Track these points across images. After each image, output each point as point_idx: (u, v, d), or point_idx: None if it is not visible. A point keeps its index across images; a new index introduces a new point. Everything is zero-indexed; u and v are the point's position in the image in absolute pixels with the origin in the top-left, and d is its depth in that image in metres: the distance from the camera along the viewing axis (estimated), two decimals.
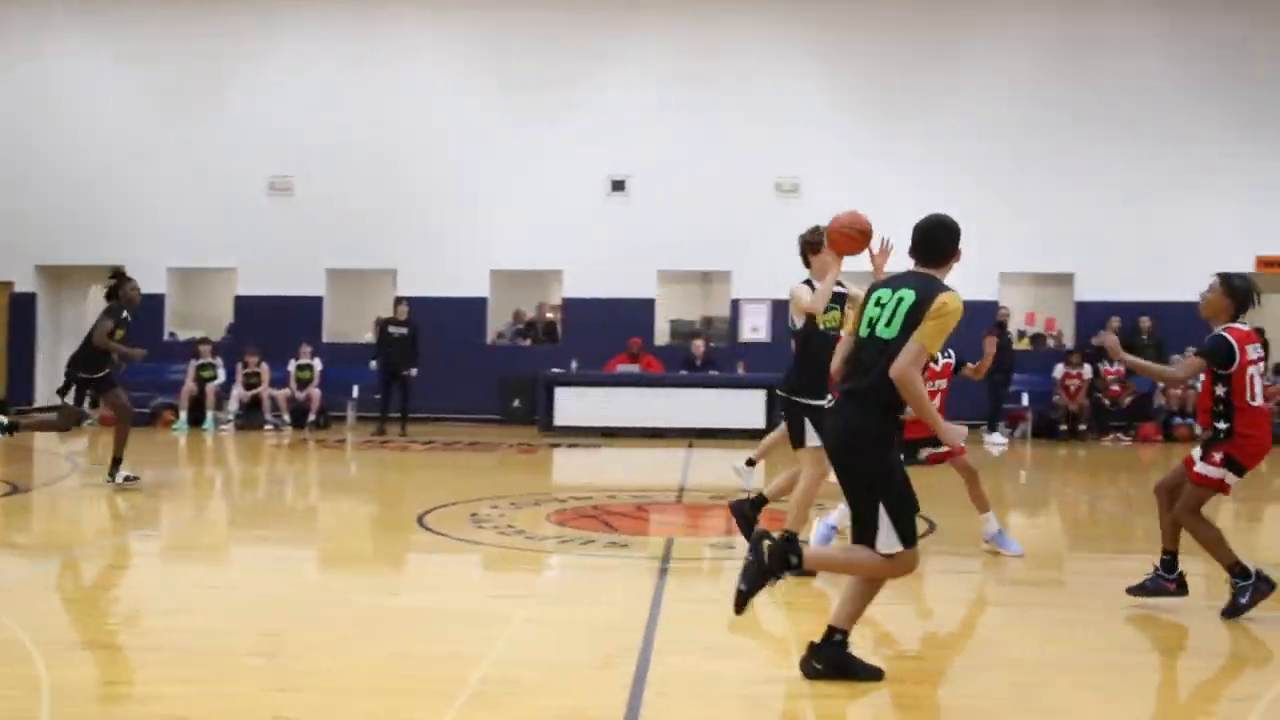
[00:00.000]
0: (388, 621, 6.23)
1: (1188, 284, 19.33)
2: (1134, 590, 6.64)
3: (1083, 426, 18.23)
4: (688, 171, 19.57)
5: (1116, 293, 19.29)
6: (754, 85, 19.80)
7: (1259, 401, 6.31)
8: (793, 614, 6.44)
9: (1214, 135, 19.57)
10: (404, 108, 20.03)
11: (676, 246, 19.67)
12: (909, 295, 4.94)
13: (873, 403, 4.95)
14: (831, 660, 5.09)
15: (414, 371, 17.58)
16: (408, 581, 7.89)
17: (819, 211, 20.14)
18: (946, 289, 4.97)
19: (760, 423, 17.51)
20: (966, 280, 18.41)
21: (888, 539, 4.92)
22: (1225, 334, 6.30)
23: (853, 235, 6.48)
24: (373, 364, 18.08)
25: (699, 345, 18.75)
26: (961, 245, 5.18)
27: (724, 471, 11.11)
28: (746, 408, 17.59)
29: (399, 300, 18.24)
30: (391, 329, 17.72)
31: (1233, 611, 6.34)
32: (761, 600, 6.85)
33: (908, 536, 4.93)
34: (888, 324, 4.94)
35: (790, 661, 5.41)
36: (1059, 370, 18.42)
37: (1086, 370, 18.45)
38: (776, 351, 19.26)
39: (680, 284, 21.48)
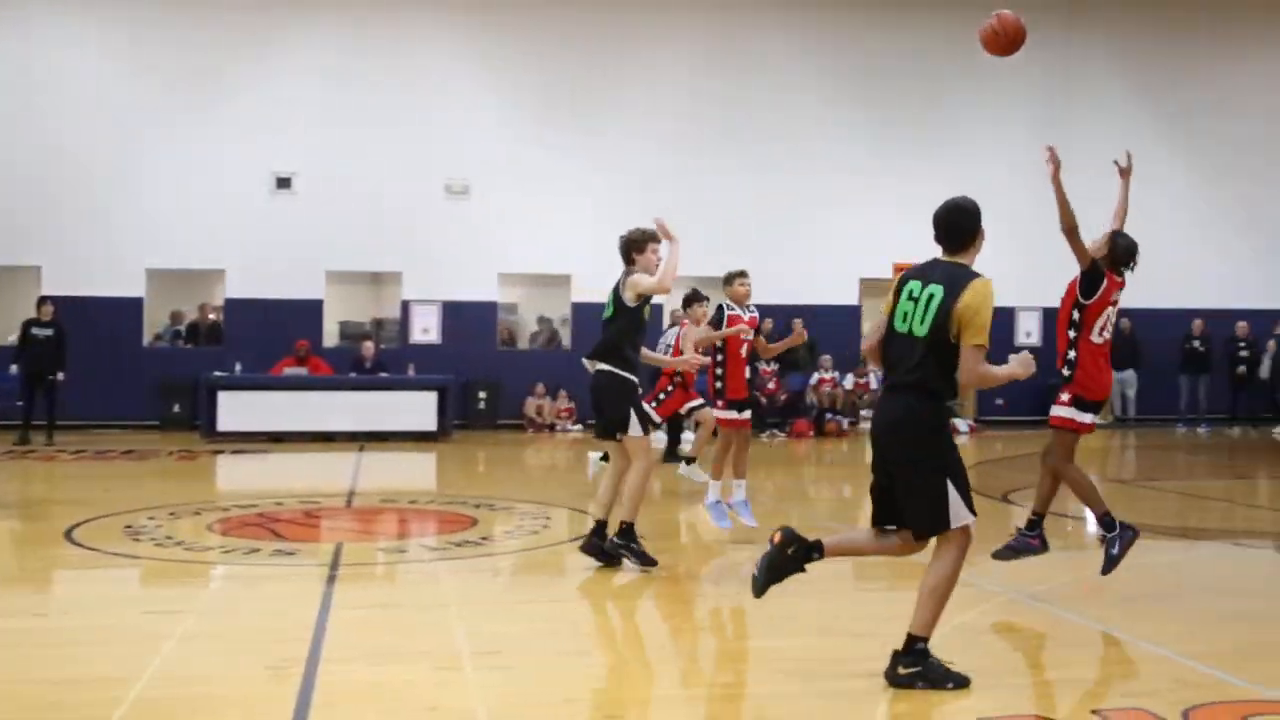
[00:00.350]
0: (32, 645, 5.85)
1: (834, 289, 20.80)
2: (999, 554, 7.17)
3: None
4: (357, 170, 19.22)
5: (771, 296, 20.25)
6: (424, 84, 19.65)
7: (1100, 339, 6.98)
8: (463, 617, 6.45)
9: (856, 149, 20.92)
10: (44, 92, 18.71)
11: (345, 247, 19.29)
12: (938, 291, 5.07)
13: (923, 394, 5.12)
14: (923, 669, 5.10)
15: (61, 376, 16.50)
16: (55, 601, 7.41)
17: (489, 213, 20.35)
18: (974, 276, 5.09)
19: (431, 424, 17.45)
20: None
21: (959, 512, 5.07)
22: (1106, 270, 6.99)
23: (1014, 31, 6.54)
24: (13, 368, 16.87)
25: (369, 347, 18.46)
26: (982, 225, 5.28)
27: (393, 474, 11.00)
28: (417, 410, 17.49)
29: (43, 299, 17.06)
30: (35, 330, 16.58)
31: (1109, 565, 6.96)
32: (432, 603, 6.87)
33: (971, 505, 5.11)
34: (921, 321, 5.09)
35: (461, 664, 5.42)
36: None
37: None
38: (447, 353, 19.29)
39: (349, 285, 21.06)
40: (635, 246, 7.83)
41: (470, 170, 19.60)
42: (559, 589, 7.55)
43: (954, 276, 5.09)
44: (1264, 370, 20.45)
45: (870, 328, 5.52)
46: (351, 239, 19.22)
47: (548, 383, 19.51)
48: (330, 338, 19.95)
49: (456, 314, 19.68)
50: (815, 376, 19.75)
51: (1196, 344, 20.58)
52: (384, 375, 18.25)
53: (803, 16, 20.90)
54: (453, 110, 19.66)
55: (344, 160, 19.20)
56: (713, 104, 20.46)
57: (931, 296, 5.08)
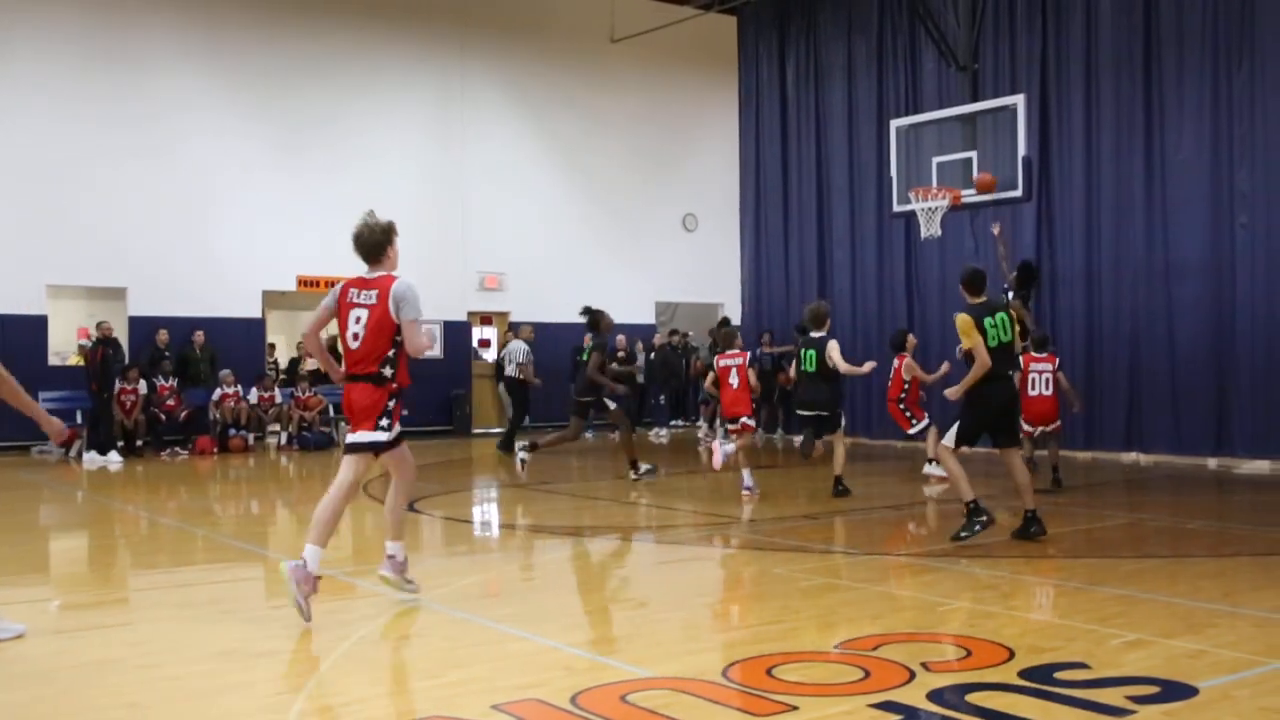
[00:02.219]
0: None
1: (236, 302, 20.34)
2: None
3: (140, 442, 18.16)
4: None
5: (170, 308, 19.55)
6: None
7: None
8: None
9: (259, 161, 20.61)
10: None
11: None
12: (1004, 316, 9.05)
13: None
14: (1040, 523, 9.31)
15: None
16: None
17: None
18: (1007, 302, 9.76)
19: None
20: (9, 293, 17.43)
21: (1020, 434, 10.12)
22: None
23: None
24: None
25: None
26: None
27: None
28: None
29: None
30: None
31: None
32: None
33: None
34: (1007, 334, 8.98)
35: None
36: (117, 386, 18.14)
37: (143, 386, 18.41)
38: None
39: None
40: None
41: None
42: None
43: (1003, 306, 9.25)
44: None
45: (978, 348, 8.90)
46: None
47: None
48: None
49: None
50: (218, 392, 19.17)
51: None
52: None
53: (196, 19, 20.32)
54: None
55: None
56: (103, 109, 19.33)
57: (1004, 319, 9.00)
